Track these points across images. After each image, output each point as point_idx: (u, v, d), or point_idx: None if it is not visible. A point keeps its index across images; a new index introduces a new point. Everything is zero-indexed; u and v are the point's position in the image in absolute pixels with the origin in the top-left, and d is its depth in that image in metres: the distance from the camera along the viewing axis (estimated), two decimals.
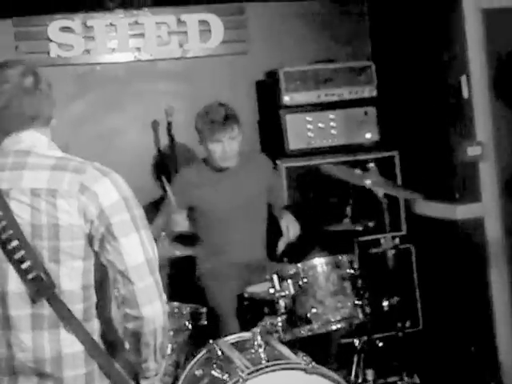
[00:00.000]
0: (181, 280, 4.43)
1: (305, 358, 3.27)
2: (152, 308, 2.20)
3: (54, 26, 4.78)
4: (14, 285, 2.15)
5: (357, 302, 3.61)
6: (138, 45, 4.94)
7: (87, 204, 2.14)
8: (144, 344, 2.25)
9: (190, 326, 3.79)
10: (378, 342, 4.08)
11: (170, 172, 4.61)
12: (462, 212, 4.42)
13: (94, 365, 2.23)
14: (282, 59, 4.93)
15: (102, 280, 2.27)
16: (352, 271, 3.66)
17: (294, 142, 4.76)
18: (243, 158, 4.26)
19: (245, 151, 4.33)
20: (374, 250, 4.40)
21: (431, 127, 4.65)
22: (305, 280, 3.58)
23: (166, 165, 4.80)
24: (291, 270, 3.61)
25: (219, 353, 3.40)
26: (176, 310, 3.77)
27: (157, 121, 4.85)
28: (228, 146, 4.12)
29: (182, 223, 4.14)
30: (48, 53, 4.81)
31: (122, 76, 4.97)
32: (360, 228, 4.00)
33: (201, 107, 4.59)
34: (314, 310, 3.55)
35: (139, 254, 2.20)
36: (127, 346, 2.30)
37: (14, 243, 2.12)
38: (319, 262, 3.63)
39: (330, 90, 4.79)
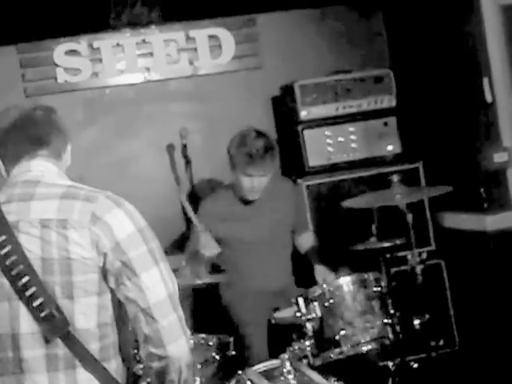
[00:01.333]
0: (205, 310, 4.38)
1: (336, 383, 3.29)
2: (177, 346, 2.19)
3: (60, 50, 4.82)
4: (26, 324, 2.12)
5: (386, 321, 3.60)
6: (147, 65, 4.96)
7: (99, 236, 2.12)
8: (168, 382, 2.24)
9: (217, 358, 3.77)
10: (412, 363, 4.06)
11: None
12: (492, 222, 4.40)
13: None
14: (298, 71, 4.94)
15: (120, 318, 2.26)
16: (379, 289, 3.66)
17: (313, 159, 4.75)
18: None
19: None
20: (402, 267, 4.40)
21: (454, 135, 4.63)
22: (331, 301, 3.58)
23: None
24: (316, 291, 3.62)
25: None
26: (202, 342, 3.76)
27: (172, 144, 4.80)
28: (258, 181, 4.07)
29: (211, 245, 4.12)
30: (55, 78, 4.84)
31: (132, 98, 4.99)
32: (387, 245, 4.00)
33: (215, 127, 4.70)
34: (342, 332, 3.55)
35: (161, 290, 2.18)
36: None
37: (25, 279, 2.09)
38: (345, 282, 3.63)
39: (349, 101, 4.78)
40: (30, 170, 2.25)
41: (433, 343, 3.98)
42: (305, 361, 3.57)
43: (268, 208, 4.23)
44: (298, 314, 3.57)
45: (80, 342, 2.13)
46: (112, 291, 2.18)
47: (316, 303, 3.59)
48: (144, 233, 2.19)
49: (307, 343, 3.53)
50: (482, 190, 4.44)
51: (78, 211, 2.12)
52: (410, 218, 3.89)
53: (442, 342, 4.08)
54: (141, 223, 2.21)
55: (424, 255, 3.98)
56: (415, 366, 4.03)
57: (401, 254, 4.34)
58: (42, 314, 2.09)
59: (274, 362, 3.59)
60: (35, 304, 2.09)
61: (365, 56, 5.19)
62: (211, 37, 5.04)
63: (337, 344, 3.56)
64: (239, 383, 3.52)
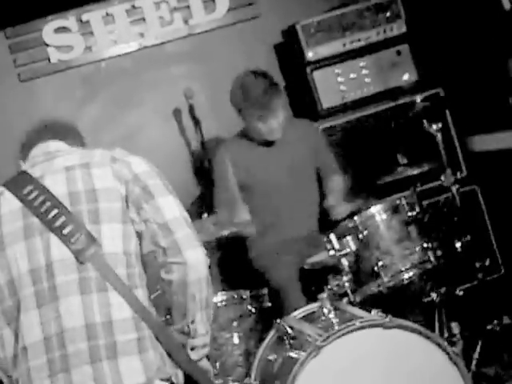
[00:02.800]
0: (234, 265, 4.42)
1: (380, 314, 3.22)
2: (195, 253, 2.36)
3: (49, 29, 4.75)
4: (58, 252, 2.30)
5: (426, 245, 3.54)
6: (140, 30, 4.89)
7: (120, 169, 2.41)
8: (190, 297, 2.37)
9: (253, 311, 3.84)
10: (458, 291, 3.99)
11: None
12: None
13: (146, 330, 2.33)
14: (299, 14, 4.82)
15: (143, 254, 2.44)
16: (414, 213, 3.59)
17: (326, 100, 4.67)
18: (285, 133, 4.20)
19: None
20: (436, 198, 4.41)
21: (473, 53, 4.53)
22: (365, 232, 3.56)
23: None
24: (348, 224, 3.56)
25: (289, 330, 3.38)
26: (235, 296, 3.85)
27: (178, 108, 4.81)
28: (274, 120, 4.07)
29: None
30: (48, 59, 4.79)
31: (130, 68, 4.94)
32: (416, 172, 3.89)
33: (220, 84, 4.62)
34: (380, 263, 3.52)
35: (176, 210, 2.41)
36: (173, 310, 2.41)
37: (54, 212, 2.30)
38: (376, 210, 3.60)
39: (355, 35, 4.68)
40: (48, 146, 2.54)
41: (478, 264, 3.84)
42: (345, 299, 3.52)
43: (288, 151, 4.22)
44: (332, 252, 3.49)
45: (109, 265, 2.31)
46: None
47: (349, 237, 3.58)
48: (156, 172, 2.49)
49: (344, 278, 3.46)
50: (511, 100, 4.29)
51: (98, 155, 2.44)
52: (439, 136, 3.77)
53: (487, 262, 3.93)
54: (153, 166, 2.51)
55: (458, 175, 3.87)
56: (460, 293, 3.96)
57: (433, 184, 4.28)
58: (73, 240, 2.29)
59: (313, 306, 3.59)
60: (65, 232, 2.29)
61: None
62: None
63: (376, 275, 3.53)
64: (279, 332, 3.53)
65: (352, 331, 3.18)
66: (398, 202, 3.63)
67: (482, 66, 4.50)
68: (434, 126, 3.75)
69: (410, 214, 3.59)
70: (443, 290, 3.91)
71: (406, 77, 4.64)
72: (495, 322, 3.93)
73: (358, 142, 4.47)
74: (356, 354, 3.20)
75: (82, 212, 2.34)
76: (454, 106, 4.69)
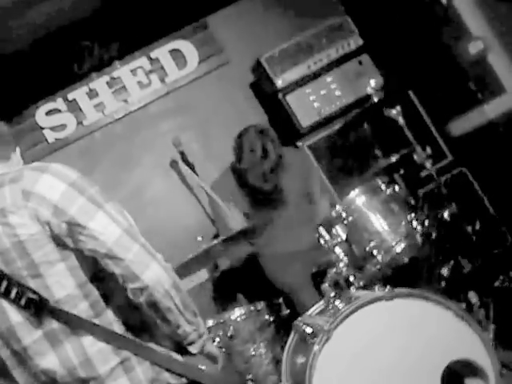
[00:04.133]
0: (251, 282, 4.67)
1: (380, 288, 3.43)
2: (151, 271, 2.23)
3: (41, 113, 5.19)
4: (15, 316, 2.25)
5: (410, 217, 3.76)
6: (123, 98, 5.31)
7: (36, 208, 2.19)
8: (166, 310, 2.29)
9: (271, 319, 4.02)
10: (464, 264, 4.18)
11: None
12: (492, 109, 4.56)
13: (126, 352, 2.31)
14: (264, 49, 5.13)
15: (99, 270, 2.30)
16: (391, 191, 3.81)
17: (304, 119, 5.00)
18: None
19: None
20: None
21: (426, 46, 4.83)
22: (350, 218, 3.74)
23: None
24: (332, 215, 3.78)
25: (306, 328, 3.50)
26: (252, 309, 4.02)
27: (174, 160, 5.12)
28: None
29: (237, 218, 4.37)
30: (46, 140, 5.20)
31: (122, 133, 5.33)
32: (394, 159, 4.14)
33: (207, 128, 4.97)
34: (372, 243, 3.71)
35: (114, 229, 2.23)
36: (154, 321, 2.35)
37: None
38: (355, 194, 3.78)
39: (317, 56, 5.05)
40: None
41: (469, 228, 4.05)
42: (352, 287, 3.69)
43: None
44: (323, 243, 3.70)
45: (66, 310, 2.24)
46: (77, 251, 2.26)
47: (337, 226, 3.74)
48: (77, 185, 2.24)
49: (341, 265, 3.65)
50: (471, 83, 4.58)
51: (9, 196, 2.21)
52: (400, 119, 4.03)
53: (478, 225, 4.14)
54: (71, 177, 2.26)
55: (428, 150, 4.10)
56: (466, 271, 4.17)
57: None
58: (22, 302, 2.21)
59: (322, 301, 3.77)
60: (12, 296, 2.21)
61: (319, 11, 5.39)
62: (172, 51, 5.39)
63: (370, 256, 3.70)
64: (298, 332, 3.68)
65: (356, 310, 3.33)
66: (374, 183, 3.83)
67: (437, 59, 4.80)
68: (394, 111, 4.01)
69: (388, 191, 3.78)
70: (451, 263, 4.09)
71: (372, 82, 4.90)
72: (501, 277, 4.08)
73: (341, 149, 4.73)
74: (366, 331, 3.35)
75: (19, 270, 2.22)
76: (423, 97, 4.97)
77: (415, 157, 4.04)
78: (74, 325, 2.25)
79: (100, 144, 5.31)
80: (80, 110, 5.25)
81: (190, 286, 4.94)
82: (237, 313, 4.04)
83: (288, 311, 4.05)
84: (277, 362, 3.89)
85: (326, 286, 3.59)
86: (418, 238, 3.76)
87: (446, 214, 3.98)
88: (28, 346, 2.27)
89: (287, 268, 4.34)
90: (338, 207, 3.80)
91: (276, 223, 4.42)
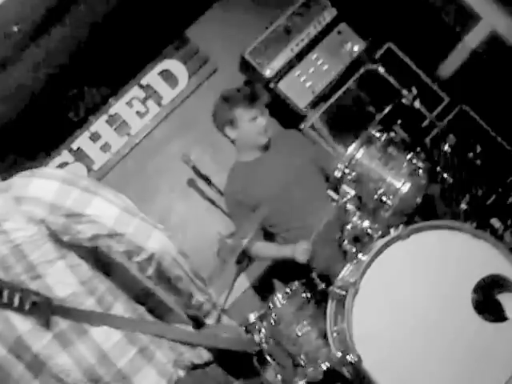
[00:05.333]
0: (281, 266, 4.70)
1: (394, 229, 3.51)
2: (154, 239, 2.28)
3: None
4: (21, 325, 2.26)
5: (409, 156, 3.79)
6: (126, 131, 5.44)
7: (30, 210, 2.22)
8: (176, 279, 2.35)
9: (309, 296, 4.05)
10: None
11: None
12: (471, 39, 4.65)
13: (143, 337, 2.34)
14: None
15: (103, 264, 2.37)
16: (387, 136, 3.84)
17: (301, 101, 5.06)
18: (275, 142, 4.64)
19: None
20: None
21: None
22: (353, 173, 3.79)
23: None
24: (336, 175, 3.84)
25: (340, 291, 3.58)
26: (288, 291, 4.05)
27: (190, 178, 5.23)
28: (264, 119, 4.54)
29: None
30: None
31: (133, 166, 5.44)
32: (387, 110, 4.18)
33: (214, 138, 5.02)
34: (380, 191, 3.74)
35: (112, 210, 2.29)
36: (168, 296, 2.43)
37: None
38: (352, 149, 3.82)
39: (297, 37, 5.09)
40: None
41: (471, 154, 4.05)
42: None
43: (285, 155, 4.60)
44: (335, 204, 3.77)
45: (72, 307, 2.26)
46: (76, 248, 2.29)
47: (344, 185, 3.79)
48: (68, 180, 2.30)
49: (355, 219, 3.70)
50: (447, 19, 4.62)
51: (1, 205, 2.25)
52: (380, 69, 4.08)
53: (478, 149, 4.14)
54: (60, 174, 2.32)
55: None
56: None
57: None
58: (26, 307, 2.22)
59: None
60: (16, 304, 2.22)
61: None
62: (161, 73, 5.52)
63: (380, 203, 3.74)
64: (333, 297, 3.75)
65: (376, 256, 3.46)
66: (368, 134, 3.86)
67: (411, 7, 4.88)
68: (380, 69, 4.07)
69: (383, 138, 3.81)
70: (467, 197, 4.10)
71: (356, 48, 4.98)
72: None
73: (340, 119, 4.78)
74: (392, 273, 3.48)
75: (18, 275, 2.24)
76: (408, 50, 5.01)
77: (404, 101, 4.06)
78: (84, 321, 2.27)
79: (114, 183, 5.26)
80: (87, 156, 5.38)
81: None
82: (274, 299, 4.08)
83: (324, 284, 4.03)
84: (324, 335, 3.88)
85: (345, 243, 3.63)
86: (422, 174, 3.77)
87: (446, 147, 3.99)
88: (38, 353, 2.28)
89: (314, 241, 4.33)
90: (339, 166, 3.83)
91: (296, 204, 4.46)
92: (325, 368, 3.68)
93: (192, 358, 2.43)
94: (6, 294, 2.22)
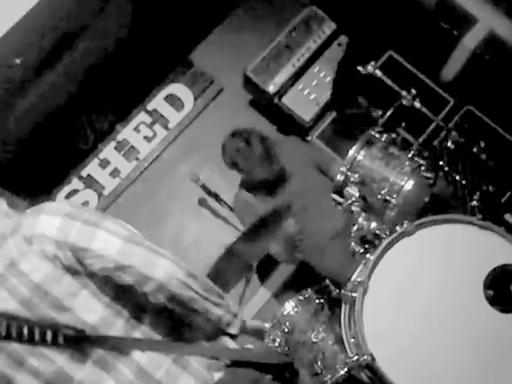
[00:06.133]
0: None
1: (400, 226, 3.51)
2: (160, 267, 2.27)
3: (61, 198, 5.31)
4: (59, 358, 2.27)
5: (411, 155, 3.81)
6: (135, 156, 5.46)
7: (41, 248, 2.22)
8: (189, 301, 2.32)
9: (322, 302, 4.05)
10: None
11: None
12: (471, 40, 4.72)
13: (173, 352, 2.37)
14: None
15: (120, 287, 2.33)
16: (386, 136, 3.88)
17: (306, 114, 5.11)
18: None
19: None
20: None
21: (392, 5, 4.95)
22: (356, 176, 3.82)
23: None
24: (339, 179, 3.87)
25: (353, 294, 3.56)
26: (301, 298, 4.05)
27: (201, 198, 5.25)
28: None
29: None
30: None
31: (143, 191, 5.45)
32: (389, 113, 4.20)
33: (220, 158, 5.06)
34: (383, 191, 3.76)
35: (114, 241, 2.26)
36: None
37: (25, 330, 2.21)
38: (353, 152, 3.87)
39: (298, 52, 5.17)
40: None
41: (475, 149, 4.06)
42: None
43: (292, 165, 4.55)
44: (341, 207, 3.79)
45: (104, 333, 2.29)
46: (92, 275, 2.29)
47: (347, 187, 3.82)
48: (70, 214, 2.27)
49: (360, 220, 3.71)
50: (443, 23, 4.66)
51: (13, 245, 2.25)
52: (377, 72, 4.11)
53: (482, 144, 4.15)
54: (65, 209, 2.29)
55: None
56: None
57: None
58: (61, 341, 2.23)
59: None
60: (49, 340, 2.22)
61: (287, 10, 5.52)
62: (166, 97, 5.56)
63: (385, 202, 3.75)
64: (346, 300, 3.71)
65: (383, 254, 3.45)
66: (367, 135, 3.91)
67: (406, 14, 4.94)
68: (370, 67, 4.09)
69: (383, 138, 3.84)
70: (478, 194, 4.10)
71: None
72: None
73: (345, 127, 4.82)
74: (400, 270, 3.48)
75: (45, 312, 2.24)
76: (409, 56, 5.05)
77: (404, 102, 4.09)
78: (118, 346, 2.30)
79: (126, 209, 5.40)
80: (97, 182, 5.40)
81: None
82: (288, 307, 4.07)
83: (337, 291, 4.03)
84: (341, 340, 3.83)
85: (352, 244, 3.64)
86: (426, 171, 3.79)
87: (449, 143, 4.00)
88: (82, 380, 2.29)
89: (324, 249, 4.35)
90: (342, 169, 3.84)
91: (306, 212, 4.46)
92: (343, 373, 3.60)
93: (225, 361, 2.45)
94: (37, 332, 2.22)
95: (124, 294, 2.35)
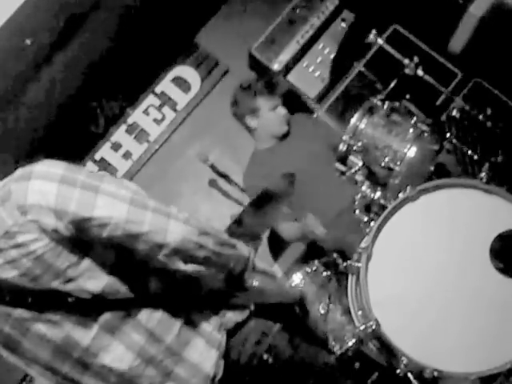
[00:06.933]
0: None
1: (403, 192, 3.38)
2: (172, 232, 2.18)
3: None
4: (66, 324, 2.25)
5: (413, 121, 3.69)
6: (145, 139, 5.43)
7: (37, 219, 2.07)
8: (204, 260, 2.26)
9: (329, 274, 3.96)
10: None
11: None
12: (478, 7, 4.52)
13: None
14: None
15: (130, 254, 2.26)
16: (388, 104, 3.74)
17: (312, 91, 5.00)
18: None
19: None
20: None
21: None
22: (359, 144, 3.70)
23: None
24: (342, 147, 3.76)
25: (358, 264, 3.45)
26: (308, 271, 3.97)
27: (211, 179, 5.18)
28: (282, 108, 4.51)
29: None
30: None
31: (155, 173, 5.41)
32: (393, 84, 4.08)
33: (232, 138, 4.98)
34: (387, 158, 3.65)
35: (119, 206, 2.14)
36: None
37: (30, 297, 2.18)
38: (355, 121, 3.75)
39: (301, 29, 5.06)
40: None
41: (481, 117, 3.92)
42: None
43: (302, 141, 4.56)
44: (344, 176, 3.67)
45: (110, 299, 2.24)
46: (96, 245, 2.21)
47: (350, 156, 3.72)
48: (67, 179, 2.12)
49: (364, 188, 3.59)
50: None
51: (6, 216, 2.10)
52: (379, 40, 3.99)
53: (489, 111, 4.01)
54: (58, 173, 2.13)
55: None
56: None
57: None
58: (66, 307, 2.20)
59: None
60: (54, 305, 2.22)
61: None
62: (174, 80, 5.50)
63: (389, 170, 3.64)
64: (352, 271, 3.63)
65: (386, 220, 3.34)
66: (369, 103, 3.79)
67: None
68: (371, 36, 3.97)
69: (385, 106, 3.72)
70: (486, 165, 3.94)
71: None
72: None
73: (351, 101, 4.70)
74: (405, 236, 3.36)
75: (49, 283, 2.17)
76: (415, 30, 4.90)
77: (406, 71, 3.96)
78: (125, 308, 2.26)
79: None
80: (110, 165, 5.37)
81: None
82: (295, 279, 3.99)
83: (345, 264, 3.93)
84: (348, 311, 3.74)
85: (357, 213, 3.53)
86: (430, 138, 3.66)
87: (454, 112, 3.87)
88: (89, 345, 2.25)
89: (332, 225, 4.24)
90: (344, 138, 3.73)
91: (313, 189, 4.38)
92: (351, 344, 3.48)
93: (236, 318, 2.43)
94: (42, 298, 2.18)
95: (128, 258, 2.27)
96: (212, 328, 2.36)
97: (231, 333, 2.40)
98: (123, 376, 2.29)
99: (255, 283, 2.47)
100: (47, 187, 2.07)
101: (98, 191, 2.12)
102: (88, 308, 2.22)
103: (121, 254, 2.25)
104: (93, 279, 2.20)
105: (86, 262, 2.20)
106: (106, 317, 2.25)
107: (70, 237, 2.12)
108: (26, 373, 2.28)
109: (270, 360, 2.43)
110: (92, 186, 2.12)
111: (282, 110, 4.51)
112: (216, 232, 2.34)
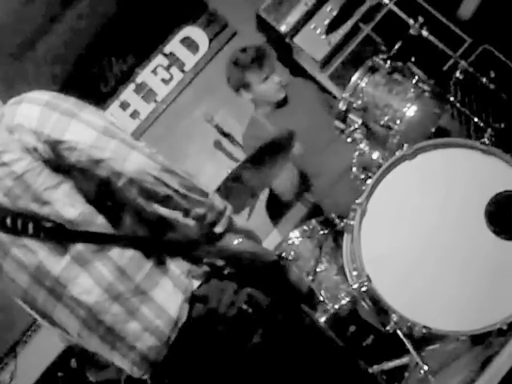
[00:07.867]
0: None
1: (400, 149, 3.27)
2: (131, 162, 2.12)
3: None
4: (40, 251, 2.18)
5: (415, 80, 3.55)
6: (153, 99, 5.35)
7: (20, 138, 2.11)
8: (165, 199, 2.16)
9: (326, 232, 3.93)
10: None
11: None
12: None
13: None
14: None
15: (110, 191, 2.19)
16: (391, 63, 3.62)
17: (318, 53, 4.84)
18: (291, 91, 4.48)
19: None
20: None
21: None
22: (359, 102, 3.60)
23: None
24: (341, 107, 3.64)
25: (352, 222, 3.37)
26: (306, 229, 3.96)
27: (216, 140, 5.07)
28: (277, 76, 4.39)
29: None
30: None
31: (162, 132, 5.34)
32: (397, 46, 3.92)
33: (237, 101, 4.85)
34: (386, 117, 3.54)
35: (89, 133, 2.13)
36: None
37: (8, 220, 2.15)
38: (356, 78, 3.66)
39: None
40: None
41: (484, 80, 3.77)
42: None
43: (302, 103, 4.46)
44: (344, 135, 3.56)
45: (84, 229, 2.16)
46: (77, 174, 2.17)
47: (349, 114, 3.62)
48: (50, 104, 2.15)
49: (361, 146, 3.48)
50: None
51: None
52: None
53: (492, 74, 3.84)
54: (44, 98, 2.18)
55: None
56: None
57: None
58: (42, 235, 2.15)
59: None
60: (30, 231, 2.15)
61: None
62: (182, 40, 5.39)
63: (388, 129, 3.52)
64: (348, 230, 3.53)
65: (382, 177, 3.24)
66: (371, 62, 3.68)
67: None
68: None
69: (387, 66, 3.60)
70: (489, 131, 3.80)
71: None
72: None
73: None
74: (400, 194, 3.28)
75: (26, 204, 2.13)
76: None
77: (411, 31, 3.80)
78: (98, 241, 2.18)
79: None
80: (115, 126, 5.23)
81: None
82: (292, 237, 3.93)
83: (343, 223, 3.82)
84: (343, 270, 3.69)
85: (354, 170, 3.41)
86: (431, 99, 3.52)
87: (457, 73, 3.73)
88: (59, 275, 2.19)
89: (333, 187, 4.12)
90: (344, 95, 3.62)
91: (315, 149, 4.26)
92: (344, 302, 3.40)
93: (206, 268, 2.32)
94: (19, 222, 2.14)
95: (103, 189, 2.20)
96: (180, 272, 2.27)
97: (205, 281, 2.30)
98: (91, 311, 2.21)
99: (236, 241, 2.34)
100: (32, 110, 2.14)
101: (74, 117, 2.14)
102: (62, 237, 2.15)
103: (100, 185, 2.19)
104: (69, 206, 2.15)
105: (65, 188, 2.16)
106: (79, 248, 2.16)
107: (48, 159, 2.13)
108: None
109: (250, 310, 2.30)
110: (70, 113, 2.15)
111: (275, 78, 4.40)
112: (188, 176, 2.25)
